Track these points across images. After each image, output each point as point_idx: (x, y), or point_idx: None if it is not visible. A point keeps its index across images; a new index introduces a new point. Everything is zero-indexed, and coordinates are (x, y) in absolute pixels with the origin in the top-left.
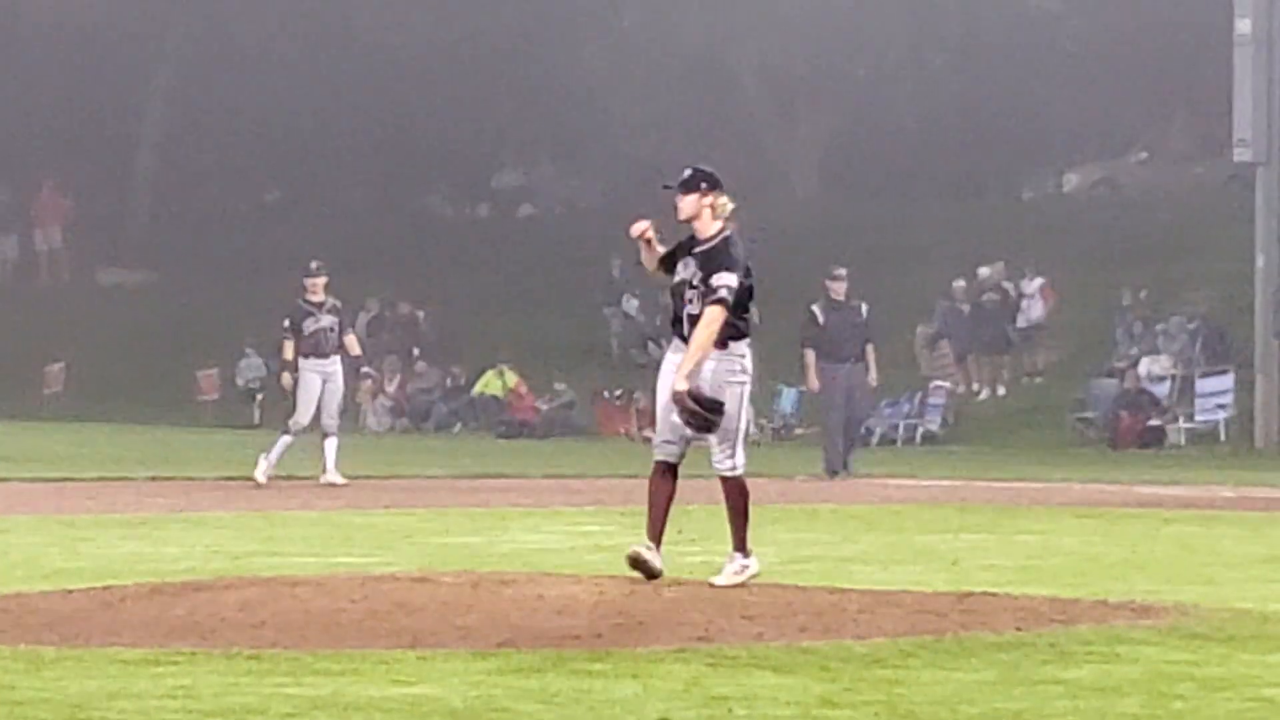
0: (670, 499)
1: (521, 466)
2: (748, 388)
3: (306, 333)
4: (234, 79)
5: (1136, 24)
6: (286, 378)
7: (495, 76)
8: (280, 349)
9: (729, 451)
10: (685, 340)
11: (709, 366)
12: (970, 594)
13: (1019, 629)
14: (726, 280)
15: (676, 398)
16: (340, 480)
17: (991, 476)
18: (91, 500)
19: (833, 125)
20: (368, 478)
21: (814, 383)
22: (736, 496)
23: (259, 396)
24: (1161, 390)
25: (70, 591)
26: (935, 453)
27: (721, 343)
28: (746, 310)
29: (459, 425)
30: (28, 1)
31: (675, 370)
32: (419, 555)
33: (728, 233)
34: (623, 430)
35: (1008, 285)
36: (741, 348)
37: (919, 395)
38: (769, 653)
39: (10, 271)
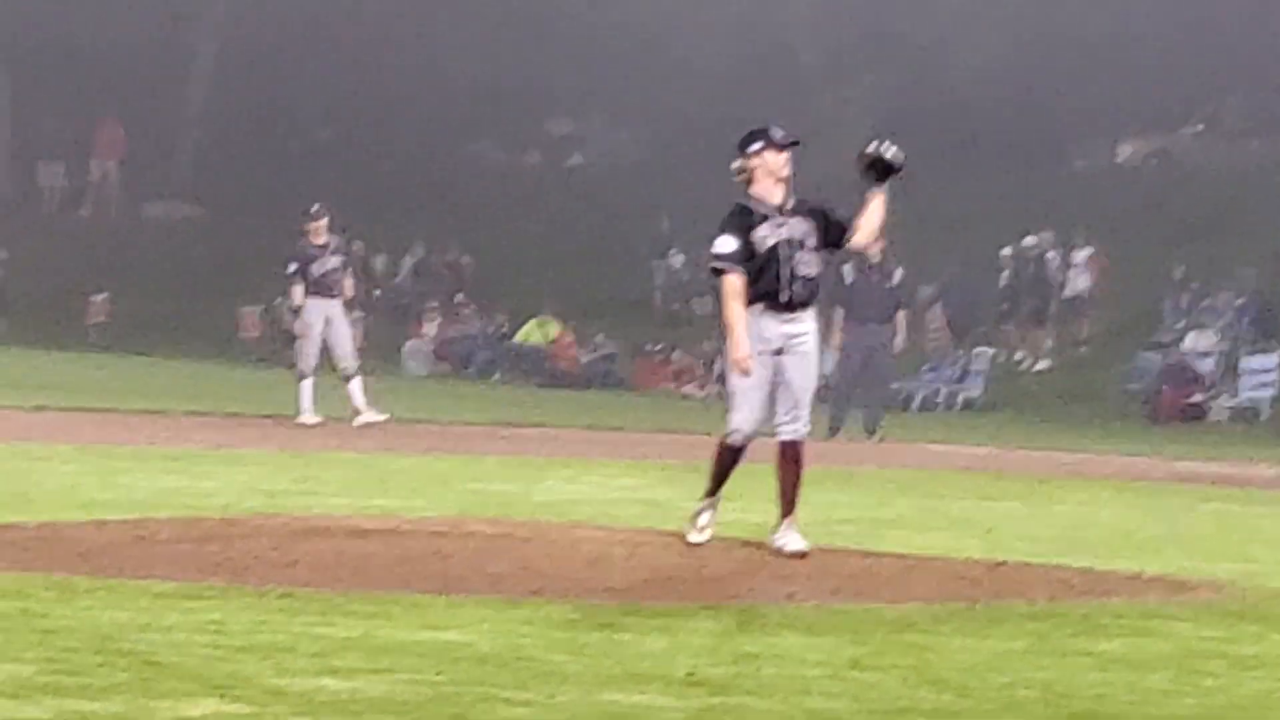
0: None
1: (560, 417)
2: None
3: (316, 274)
4: (288, 15)
5: None
6: (298, 323)
7: (550, 22)
8: (289, 293)
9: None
10: (790, 308)
11: (815, 336)
12: (1004, 563)
13: (1051, 599)
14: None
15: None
16: (378, 416)
17: (1030, 446)
18: (130, 433)
19: (885, 87)
20: (405, 421)
21: (836, 339)
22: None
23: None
24: (1206, 366)
25: (105, 523)
26: (976, 420)
27: (806, 304)
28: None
29: (499, 372)
30: None
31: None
32: (454, 501)
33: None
34: (663, 384)
35: (1052, 255)
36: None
37: (961, 361)
38: (800, 613)
39: (58, 200)
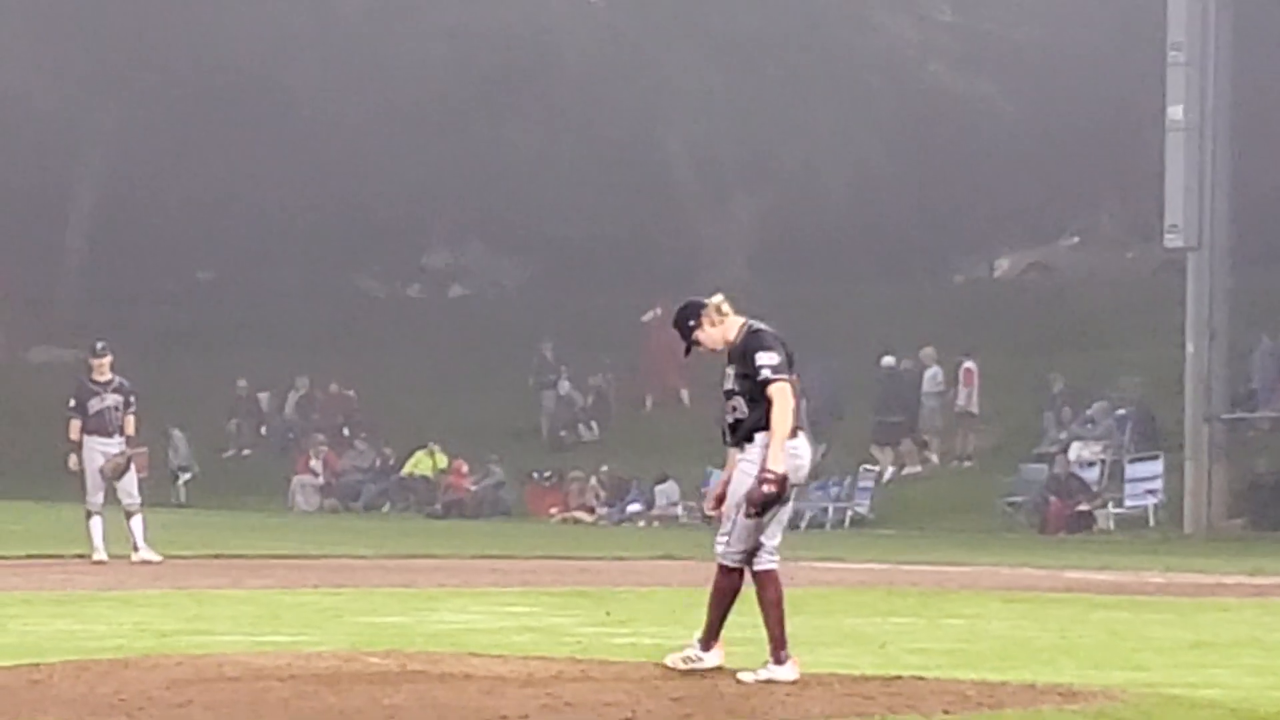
0: (734, 596)
1: (450, 547)
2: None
3: (91, 412)
4: (165, 157)
5: (1070, 109)
6: (73, 459)
7: (426, 154)
8: (67, 429)
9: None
10: (737, 447)
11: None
12: (898, 677)
13: (946, 712)
14: (766, 360)
15: (769, 478)
16: (155, 557)
17: (920, 560)
18: (19, 578)
19: (763, 208)
20: (295, 557)
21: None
22: (770, 591)
23: (185, 476)
24: (1091, 475)
25: None
26: (864, 536)
27: (749, 437)
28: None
29: (388, 505)
30: None
31: (745, 474)
32: (347, 635)
33: (749, 325)
34: (552, 511)
35: (933, 370)
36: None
37: (848, 478)
38: None
39: None
